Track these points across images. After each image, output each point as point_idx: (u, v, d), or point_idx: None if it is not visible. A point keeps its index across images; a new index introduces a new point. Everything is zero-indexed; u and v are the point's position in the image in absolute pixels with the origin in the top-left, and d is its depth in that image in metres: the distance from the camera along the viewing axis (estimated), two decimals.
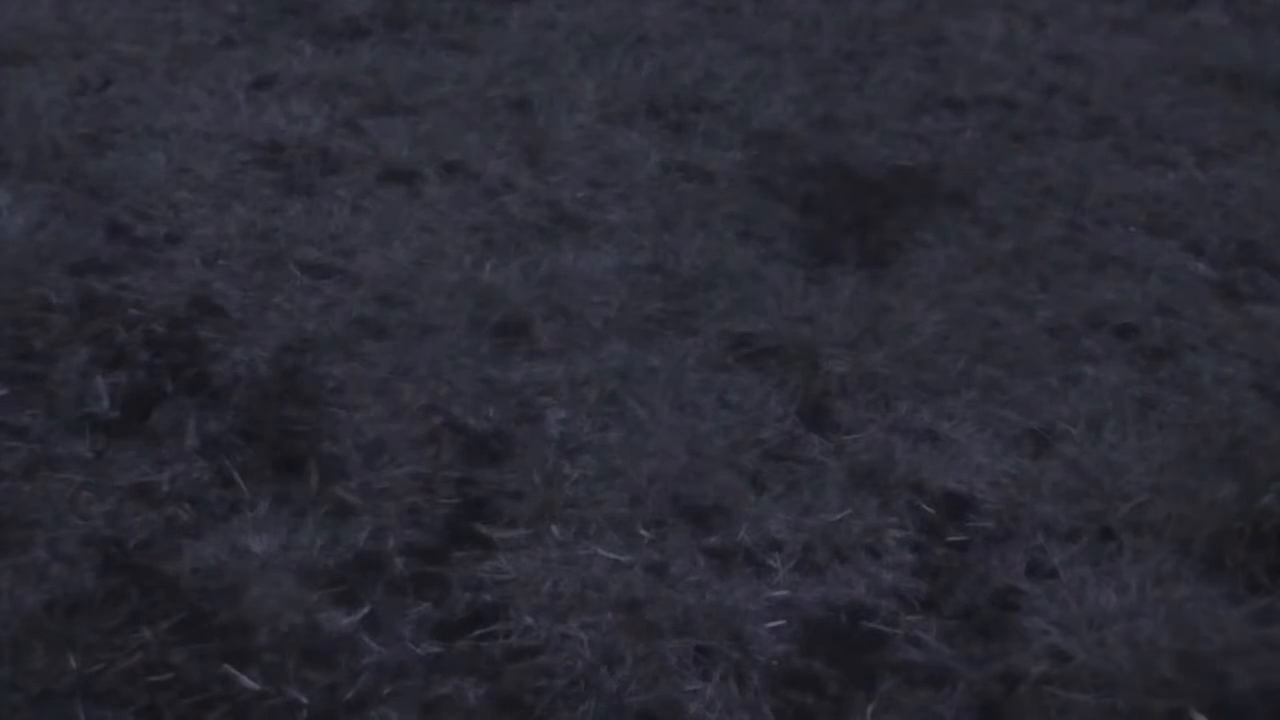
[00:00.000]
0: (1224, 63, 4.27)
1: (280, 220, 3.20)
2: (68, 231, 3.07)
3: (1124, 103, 4.04)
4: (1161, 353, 2.97)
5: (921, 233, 3.32)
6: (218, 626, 2.18)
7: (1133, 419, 2.75)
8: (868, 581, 2.36)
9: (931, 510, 2.51)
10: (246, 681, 2.10)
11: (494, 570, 2.32)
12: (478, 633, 2.21)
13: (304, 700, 2.08)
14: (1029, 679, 2.20)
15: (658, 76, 3.95)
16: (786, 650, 2.22)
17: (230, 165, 3.39)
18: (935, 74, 4.15)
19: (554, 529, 2.40)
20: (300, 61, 3.91)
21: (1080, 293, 3.15)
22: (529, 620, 2.23)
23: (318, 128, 3.58)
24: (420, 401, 2.67)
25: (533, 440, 2.59)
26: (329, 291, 2.96)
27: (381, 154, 3.49)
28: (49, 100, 3.59)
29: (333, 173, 3.40)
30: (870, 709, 2.13)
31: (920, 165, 3.65)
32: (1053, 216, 3.45)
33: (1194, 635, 2.27)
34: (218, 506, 2.40)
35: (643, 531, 2.41)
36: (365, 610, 2.23)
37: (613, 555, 2.36)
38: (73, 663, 2.09)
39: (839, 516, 2.48)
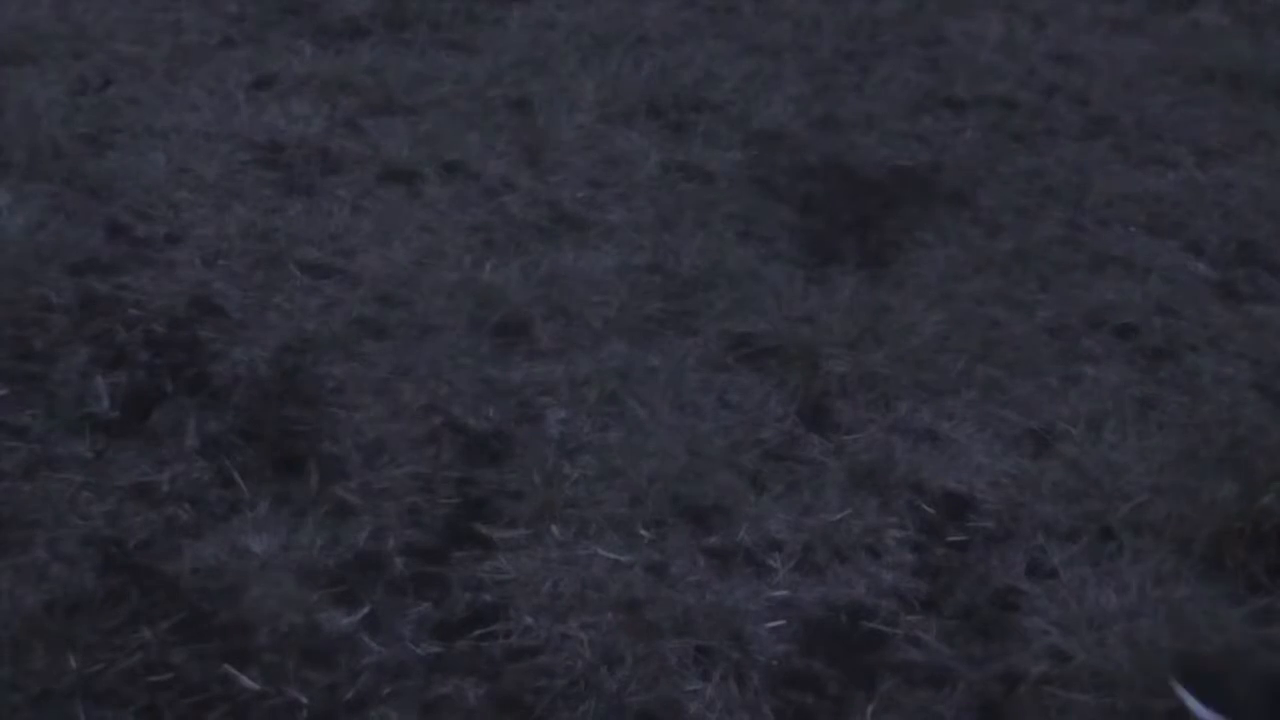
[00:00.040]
0: (1224, 63, 4.27)
1: (280, 220, 3.20)
2: (68, 231, 3.07)
3: (1124, 103, 4.04)
4: (1161, 353, 2.97)
5: (921, 233, 3.32)
6: (218, 626, 2.18)
7: (1133, 419, 2.75)
8: (868, 581, 2.36)
9: (931, 510, 2.51)
10: (246, 681, 2.10)
11: (494, 570, 2.32)
12: (478, 633, 2.21)
13: (304, 700, 2.08)
14: (1029, 679, 2.20)
15: (658, 76, 3.95)
16: (786, 650, 2.22)
17: (230, 165, 3.39)
18: (935, 74, 4.15)
19: (554, 529, 2.40)
20: (300, 61, 3.91)
21: (1080, 293, 3.15)
22: (529, 620, 2.23)
23: (318, 128, 3.58)
24: (420, 401, 2.67)
25: (533, 440, 2.59)
26: (329, 291, 2.96)
27: (381, 154, 3.49)
28: (49, 100, 3.59)
29: (333, 173, 3.40)
30: (870, 709, 2.13)
31: (920, 165, 3.65)
32: (1053, 216, 3.45)
33: (1194, 635, 2.27)
34: (218, 506, 2.40)
35: (643, 531, 2.41)
36: (365, 610, 2.23)
37: (613, 555, 2.36)
38: (73, 663, 2.09)
39: (839, 516, 2.48)
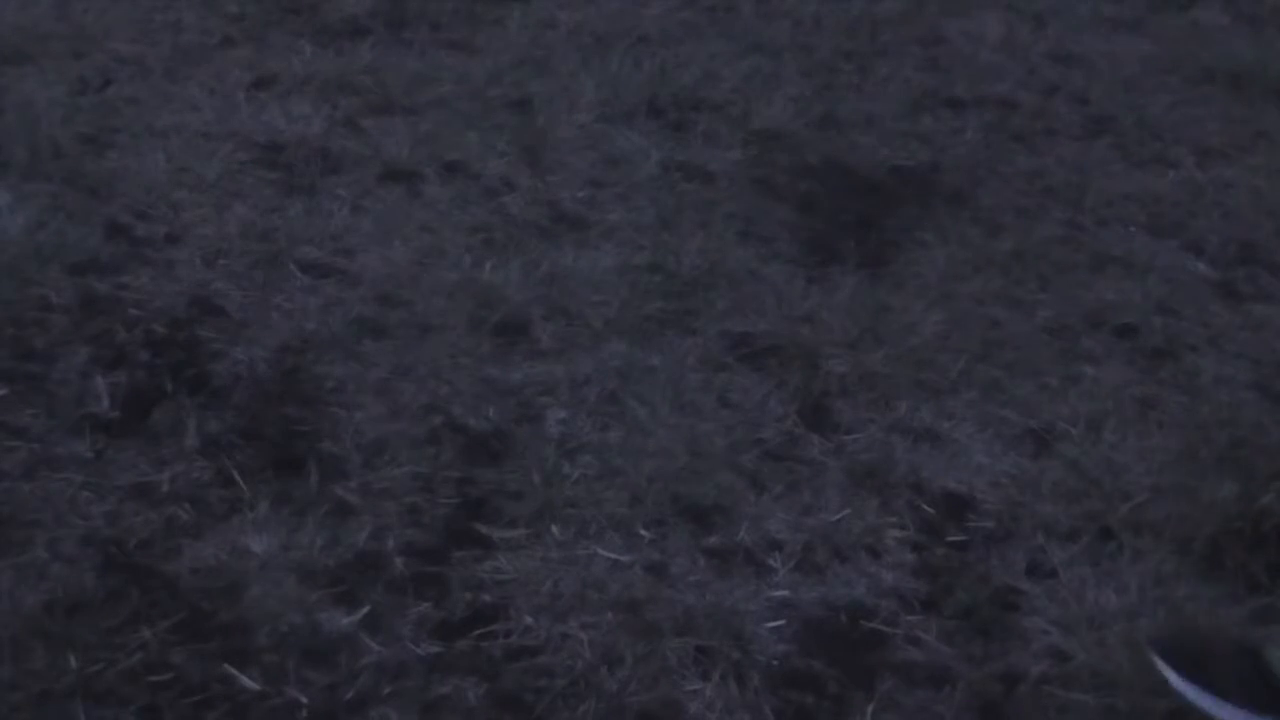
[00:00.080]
0: (1224, 63, 4.26)
1: (280, 220, 3.20)
2: (68, 231, 3.07)
3: (1124, 103, 4.04)
4: (1161, 353, 2.97)
5: (921, 233, 3.32)
6: (218, 626, 2.18)
7: (1133, 419, 2.75)
8: (868, 581, 2.36)
9: (931, 510, 2.51)
10: (246, 681, 2.10)
11: (494, 570, 2.32)
12: (478, 633, 2.21)
13: (304, 700, 2.08)
14: (1029, 679, 2.20)
15: (658, 76, 3.95)
16: (786, 650, 2.22)
17: (230, 165, 3.39)
18: (935, 74, 4.15)
19: (554, 529, 2.40)
20: (300, 61, 3.91)
21: (1080, 293, 3.15)
22: (529, 620, 2.23)
23: (318, 128, 3.58)
24: (420, 401, 2.67)
25: (533, 440, 2.59)
26: (329, 291, 2.97)
27: (381, 154, 3.49)
28: (49, 100, 3.59)
29: (333, 173, 3.40)
30: (870, 709, 2.13)
31: (920, 165, 3.65)
32: (1053, 216, 3.45)
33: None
34: (218, 506, 2.40)
35: (643, 531, 2.41)
36: (365, 610, 2.23)
37: (613, 555, 2.36)
38: (73, 663, 2.09)
39: (839, 516, 2.48)
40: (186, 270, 3.00)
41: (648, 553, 2.37)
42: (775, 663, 2.19)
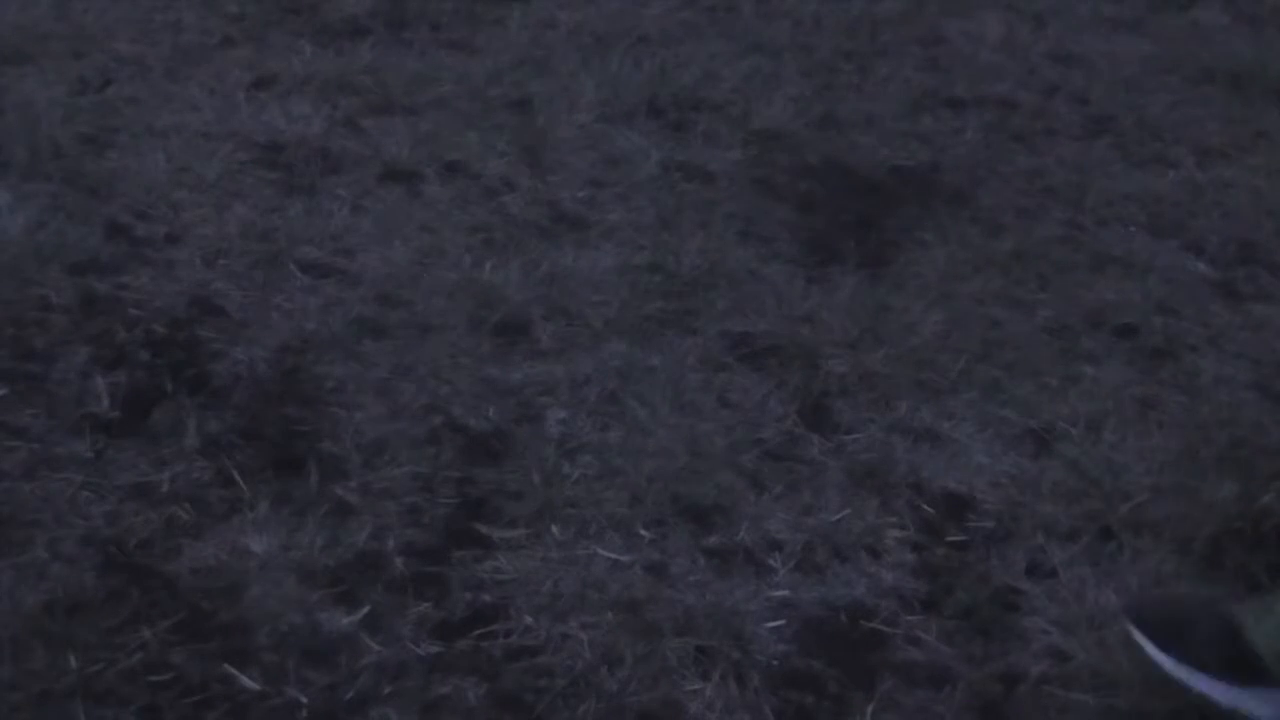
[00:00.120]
0: (1224, 63, 4.27)
1: (280, 220, 3.20)
2: (68, 231, 3.07)
3: (1124, 103, 4.04)
4: (1161, 353, 2.97)
5: (921, 233, 3.32)
6: (218, 626, 2.18)
7: (1133, 419, 2.75)
8: (868, 581, 2.36)
9: (931, 510, 2.51)
10: (246, 681, 2.10)
11: (494, 570, 2.32)
12: (478, 633, 2.21)
13: (304, 700, 2.08)
14: (1029, 679, 2.20)
15: (658, 76, 3.95)
16: (786, 650, 2.22)
17: (230, 165, 3.39)
18: (935, 74, 4.15)
19: (554, 529, 2.40)
20: (300, 61, 3.91)
21: (1080, 293, 3.15)
22: (529, 620, 2.23)
23: (318, 128, 3.58)
24: (420, 401, 2.67)
25: (533, 440, 2.59)
26: (329, 291, 2.97)
27: (381, 154, 3.49)
28: (49, 100, 3.59)
29: (333, 173, 3.40)
30: (870, 709, 2.13)
31: (920, 165, 3.65)
32: (1053, 216, 3.45)
33: None
34: (218, 506, 2.40)
35: (643, 531, 2.41)
36: (365, 610, 2.23)
37: (613, 555, 2.36)
38: (73, 663, 2.09)
39: (839, 516, 2.48)
40: (186, 270, 3.00)
41: (648, 553, 2.37)
42: (775, 663, 2.19)
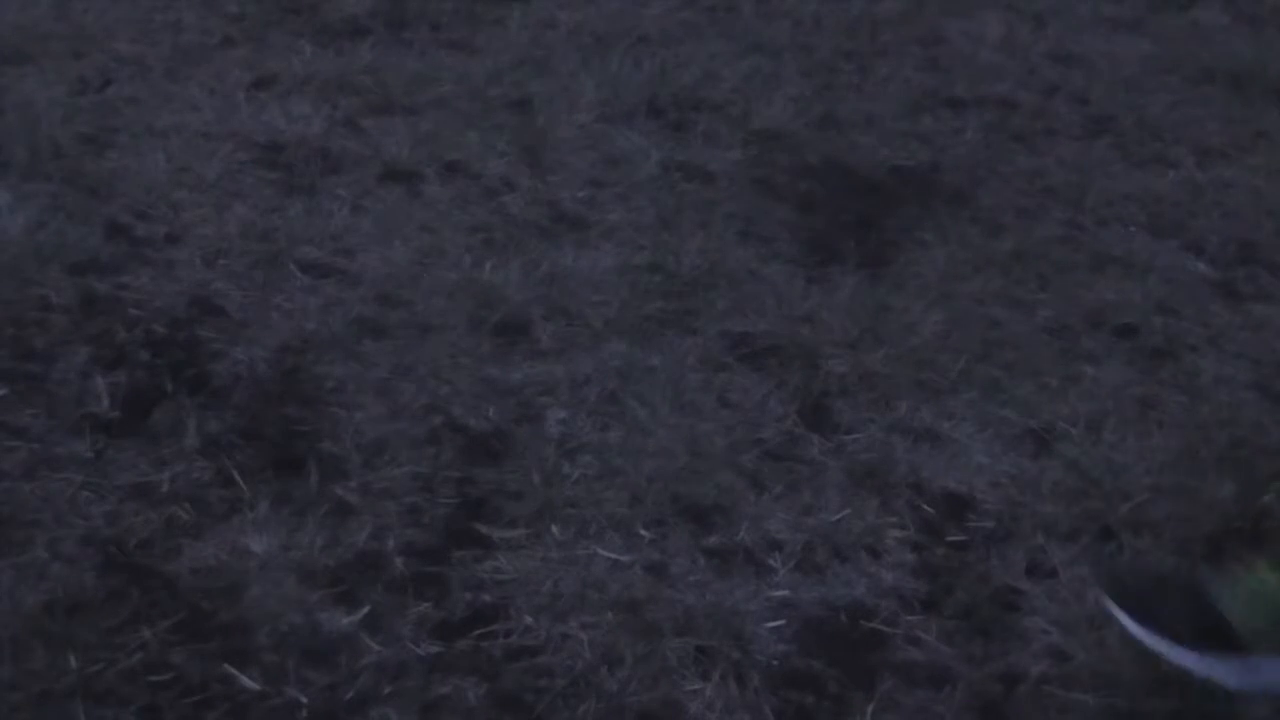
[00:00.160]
0: (1224, 63, 4.27)
1: (280, 220, 3.20)
2: (68, 231, 3.08)
3: (1124, 103, 4.04)
4: (1161, 353, 2.97)
5: (921, 233, 3.32)
6: (218, 626, 2.18)
7: (1133, 419, 2.75)
8: (868, 581, 2.36)
9: (931, 510, 2.51)
10: (246, 681, 2.10)
11: (494, 570, 2.32)
12: (478, 633, 2.21)
13: (304, 700, 2.08)
14: (1029, 679, 2.20)
15: (658, 76, 3.95)
16: (786, 650, 2.22)
17: (230, 165, 3.39)
18: (935, 74, 4.15)
19: (554, 529, 2.40)
20: (300, 61, 3.91)
21: (1080, 293, 3.15)
22: (529, 620, 2.23)
23: (318, 128, 3.58)
24: (420, 401, 2.67)
25: (533, 440, 2.59)
26: (329, 291, 2.97)
27: (381, 154, 3.49)
28: (49, 100, 3.59)
29: (333, 173, 3.40)
30: (870, 709, 2.13)
31: (920, 165, 3.65)
32: (1053, 216, 3.45)
33: None
34: (218, 506, 2.40)
35: (643, 531, 2.41)
36: (365, 610, 2.23)
37: (613, 555, 2.36)
38: (73, 663, 2.09)
39: (839, 516, 2.48)
40: (186, 270, 3.00)
41: (648, 553, 2.37)
42: (775, 663, 2.19)
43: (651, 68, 3.99)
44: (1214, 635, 2.08)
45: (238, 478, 2.45)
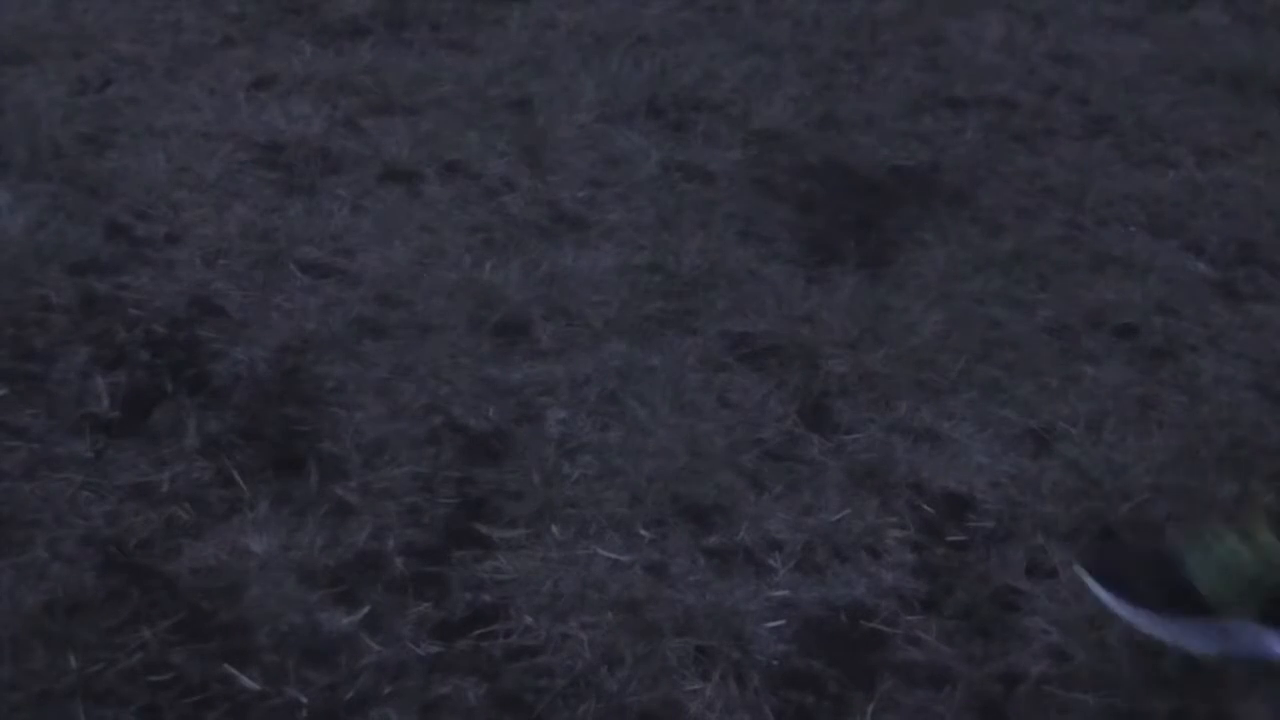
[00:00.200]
0: (1224, 63, 4.27)
1: (280, 220, 3.20)
2: (68, 231, 3.08)
3: (1124, 103, 4.04)
4: (1161, 353, 2.97)
5: (921, 233, 3.32)
6: (218, 626, 2.18)
7: (1133, 419, 2.75)
8: (868, 581, 2.36)
9: (931, 510, 2.51)
10: (246, 681, 2.10)
11: (494, 570, 2.32)
12: (478, 633, 2.21)
13: (304, 700, 2.08)
14: (1029, 679, 2.20)
15: (658, 76, 3.95)
16: (786, 650, 2.22)
17: (230, 165, 3.39)
18: (935, 74, 4.15)
19: (554, 529, 2.40)
20: (300, 61, 3.91)
21: (1080, 293, 3.15)
22: (529, 620, 2.23)
23: (318, 128, 3.59)
24: (420, 401, 2.67)
25: (533, 440, 2.59)
26: (329, 291, 2.97)
27: (381, 154, 3.49)
28: (49, 100, 3.59)
29: (333, 173, 3.40)
30: (870, 709, 2.13)
31: (920, 165, 3.65)
32: (1053, 216, 3.45)
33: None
34: (218, 506, 2.40)
35: (643, 531, 2.41)
36: (365, 610, 2.23)
37: (613, 555, 2.36)
38: (73, 663, 2.09)
39: (839, 516, 2.48)
40: (186, 270, 3.00)
41: (648, 553, 2.37)
42: (775, 663, 2.19)
43: (651, 68, 3.99)
44: (1186, 603, 2.10)
45: (238, 478, 2.45)
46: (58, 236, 3.05)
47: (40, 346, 2.74)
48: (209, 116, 3.60)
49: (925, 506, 2.52)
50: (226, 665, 2.12)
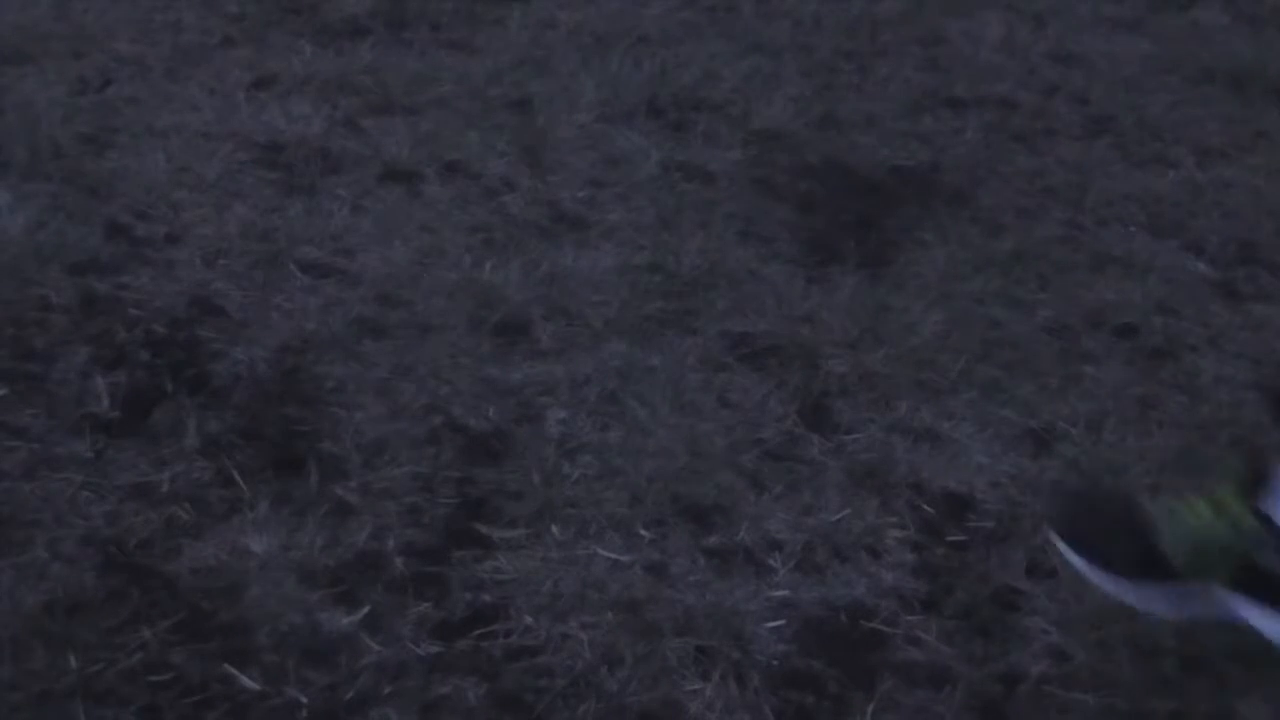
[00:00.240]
0: (1224, 63, 4.27)
1: (280, 220, 3.20)
2: (68, 231, 3.08)
3: (1124, 103, 4.04)
4: (1161, 353, 2.97)
5: (921, 233, 3.32)
6: (218, 626, 2.18)
7: (1133, 419, 2.75)
8: (868, 581, 2.36)
9: (931, 510, 2.51)
10: (246, 681, 2.10)
11: (494, 570, 2.32)
12: (478, 633, 2.21)
13: (304, 700, 2.08)
14: (1029, 679, 2.20)
15: (658, 76, 3.95)
16: (786, 650, 2.22)
17: (230, 165, 3.39)
18: (935, 74, 4.15)
19: (554, 529, 2.40)
20: (300, 61, 3.91)
21: (1080, 293, 3.15)
22: (529, 620, 2.23)
23: (318, 128, 3.59)
24: (420, 401, 2.67)
25: (533, 440, 2.59)
26: (329, 291, 2.97)
27: (381, 154, 3.49)
28: (49, 100, 3.59)
29: (333, 173, 3.40)
30: (870, 709, 2.13)
31: (920, 165, 3.65)
32: (1053, 216, 3.45)
33: (1195, 635, 2.27)
34: (218, 506, 2.40)
35: (643, 531, 2.41)
36: (365, 610, 2.23)
37: (613, 555, 2.36)
38: (73, 663, 2.09)
39: (839, 516, 2.48)
40: (186, 270, 3.00)
41: (648, 553, 2.37)
42: (775, 663, 2.19)
43: (651, 68, 3.99)
44: (1151, 565, 2.11)
45: (238, 478, 2.45)
46: (58, 236, 3.05)
47: (40, 346, 2.74)
48: (209, 116, 3.60)
49: (925, 506, 2.52)
50: (226, 665, 2.12)
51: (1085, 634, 2.26)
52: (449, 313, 2.92)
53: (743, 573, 2.35)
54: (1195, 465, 2.60)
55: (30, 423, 2.55)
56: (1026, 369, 2.88)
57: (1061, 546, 2.20)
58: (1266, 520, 2.03)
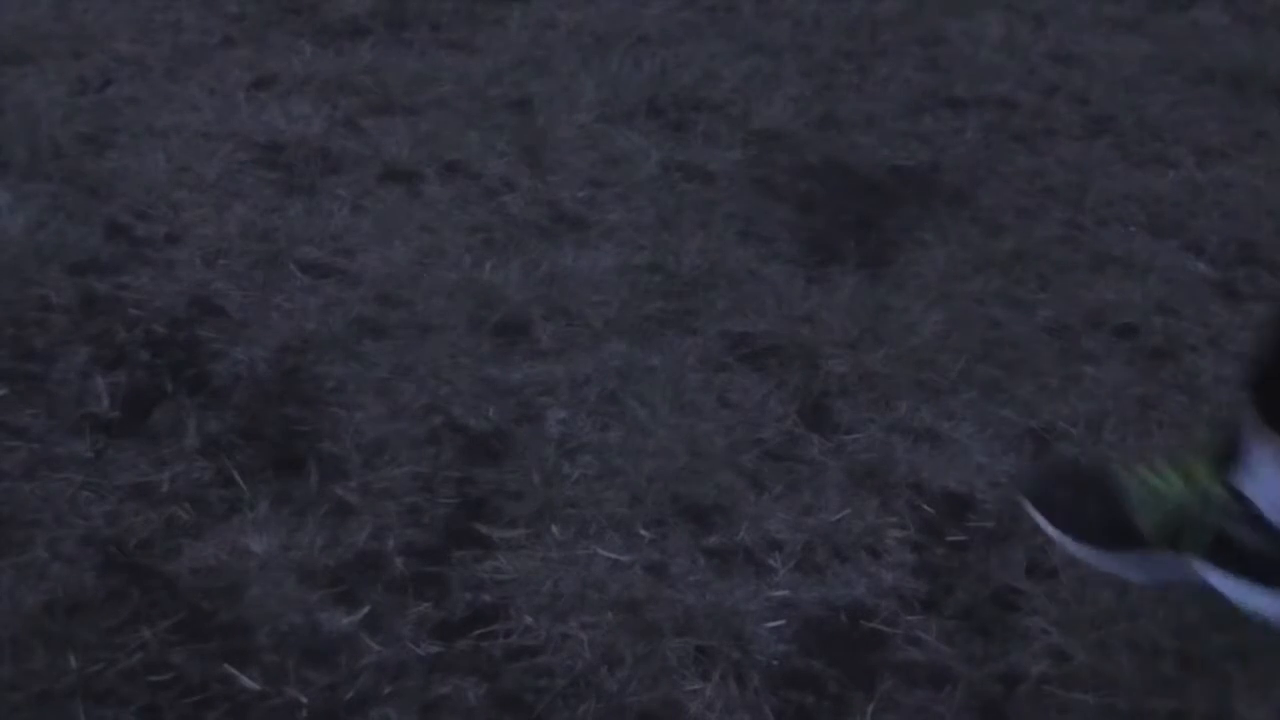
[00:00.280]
0: (1224, 63, 4.27)
1: (280, 220, 3.20)
2: (68, 231, 3.08)
3: (1124, 103, 4.04)
4: (1161, 353, 2.97)
5: (921, 233, 3.32)
6: (218, 626, 2.18)
7: (1133, 419, 2.75)
8: (868, 581, 2.36)
9: (931, 510, 2.51)
10: (246, 681, 2.10)
11: (494, 570, 2.32)
12: (478, 633, 2.21)
13: (304, 700, 2.08)
14: (1029, 679, 2.20)
15: (658, 76, 3.95)
16: (786, 650, 2.22)
17: (230, 165, 3.39)
18: (935, 74, 4.15)
19: (554, 529, 2.40)
20: (300, 61, 3.91)
21: (1080, 293, 3.15)
22: (529, 620, 2.23)
23: (318, 128, 3.59)
24: (420, 401, 2.67)
25: (533, 440, 2.59)
26: (329, 291, 2.97)
27: (381, 154, 3.49)
28: (49, 100, 3.59)
29: (333, 173, 3.40)
30: (870, 709, 2.13)
31: (920, 165, 3.65)
32: (1053, 216, 3.45)
33: (1195, 635, 2.27)
34: (218, 506, 2.40)
35: (643, 531, 2.41)
36: (365, 610, 2.23)
37: (613, 555, 2.36)
38: (73, 663, 2.09)
39: (839, 516, 2.48)
40: (186, 270, 3.00)
41: (648, 553, 2.37)
42: (775, 663, 2.19)
43: (651, 68, 3.99)
44: (1121, 533, 2.12)
45: (238, 478, 2.45)
46: (58, 236, 3.05)
47: (40, 346, 2.74)
48: (209, 116, 3.60)
49: (925, 506, 2.52)
50: (226, 665, 2.12)
51: (1085, 634, 2.26)
52: (449, 313, 2.92)
53: (743, 573, 2.35)
54: None
55: (30, 423, 2.55)
56: (1026, 369, 2.88)
57: (1034, 515, 2.20)
58: (1235, 492, 2.03)
